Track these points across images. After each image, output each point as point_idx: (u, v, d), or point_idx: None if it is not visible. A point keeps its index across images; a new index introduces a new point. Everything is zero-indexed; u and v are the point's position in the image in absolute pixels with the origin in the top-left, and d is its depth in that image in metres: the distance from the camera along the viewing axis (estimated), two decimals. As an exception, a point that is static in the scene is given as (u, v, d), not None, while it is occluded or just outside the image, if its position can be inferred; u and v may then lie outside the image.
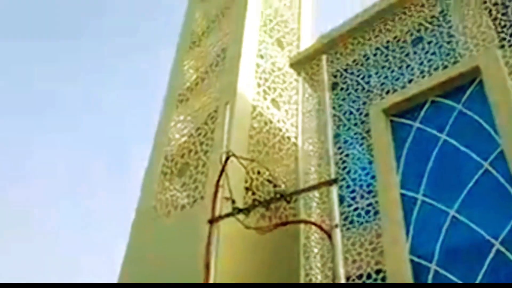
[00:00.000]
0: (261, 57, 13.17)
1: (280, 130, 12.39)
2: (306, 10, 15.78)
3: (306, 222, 8.77)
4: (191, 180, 11.32)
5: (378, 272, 8.12)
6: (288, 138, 12.40)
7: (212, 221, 8.40)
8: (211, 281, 7.27)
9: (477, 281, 6.84)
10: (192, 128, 12.51)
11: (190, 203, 11.04)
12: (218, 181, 8.00)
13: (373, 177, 8.79)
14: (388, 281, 7.75)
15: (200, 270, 6.81)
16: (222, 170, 7.97)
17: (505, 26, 8.40)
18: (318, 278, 9.30)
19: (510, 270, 6.69)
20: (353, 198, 8.91)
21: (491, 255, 6.88)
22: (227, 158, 8.00)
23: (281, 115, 12.70)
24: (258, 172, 11.15)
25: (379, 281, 8.02)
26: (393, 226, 8.05)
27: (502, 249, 6.81)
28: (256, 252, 10.17)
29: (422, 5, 9.96)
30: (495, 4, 8.70)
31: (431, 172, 7.99)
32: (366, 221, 8.66)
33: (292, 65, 12.38)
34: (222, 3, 14.79)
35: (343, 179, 9.16)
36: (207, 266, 7.30)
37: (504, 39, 8.30)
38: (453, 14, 9.27)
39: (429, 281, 7.29)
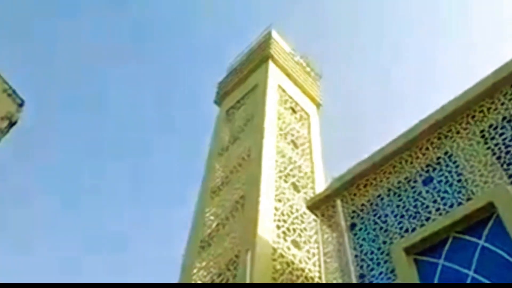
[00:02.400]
0: (279, 200, 13.28)
1: (303, 270, 11.89)
2: (317, 156, 16.37)
3: None
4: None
5: None
6: (312, 278, 11.83)
7: None
8: None
9: None
10: (215, 274, 12.07)
11: None
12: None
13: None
14: None
15: None
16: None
17: (510, 164, 8.52)
18: None
19: None
20: None
21: None
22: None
23: (302, 255, 12.31)
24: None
25: None
26: None
27: None
28: None
29: (427, 148, 10.28)
30: (497, 144, 8.96)
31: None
32: None
33: (308, 208, 12.38)
34: (239, 156, 15.46)
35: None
36: None
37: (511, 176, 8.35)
38: (458, 155, 9.50)
39: None
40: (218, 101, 19.78)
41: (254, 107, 17.01)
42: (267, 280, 10.85)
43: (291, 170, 14.92)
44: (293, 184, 14.55)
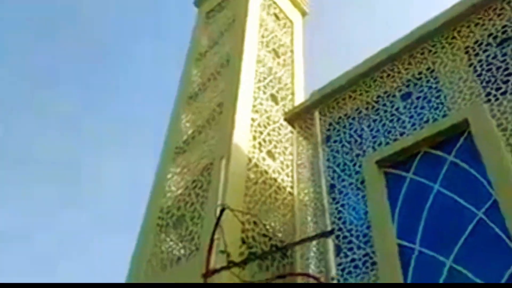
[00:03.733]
0: (256, 111, 13.38)
1: (276, 180, 12.36)
2: (299, 67, 16.24)
3: (303, 275, 8.54)
4: (187, 232, 11.11)
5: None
6: (284, 188, 12.35)
7: (206, 275, 8.18)
8: None
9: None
10: (189, 180, 12.45)
11: (186, 255, 10.77)
12: (213, 234, 7.88)
13: (369, 227, 8.69)
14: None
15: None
16: (217, 224, 7.87)
17: (489, 81, 8.66)
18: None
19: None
20: (350, 249, 8.75)
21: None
22: (222, 211, 7.92)
23: (276, 166, 12.72)
24: (255, 223, 11.00)
25: None
26: (390, 277, 7.86)
27: (503, 301, 6.65)
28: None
29: (409, 63, 10.30)
30: (480, 61, 9.01)
31: (427, 222, 7.93)
32: (364, 272, 8.46)
33: (286, 119, 12.58)
34: (217, 62, 15.20)
35: (340, 229, 9.05)
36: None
37: (489, 93, 8.53)
38: (439, 71, 9.57)
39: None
40: (197, 2, 18.94)
41: (236, 11, 16.39)
42: (240, 188, 11.27)
43: (270, 80, 14.84)
44: (272, 95, 14.56)
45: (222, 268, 7.96)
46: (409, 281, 7.69)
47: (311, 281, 9.13)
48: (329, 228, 8.76)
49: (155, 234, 11.83)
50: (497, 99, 8.35)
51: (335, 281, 6.15)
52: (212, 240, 7.91)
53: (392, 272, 7.90)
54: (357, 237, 8.83)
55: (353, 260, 8.79)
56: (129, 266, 11.86)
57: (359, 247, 8.71)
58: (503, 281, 6.75)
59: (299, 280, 9.20)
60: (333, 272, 6.07)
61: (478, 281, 6.97)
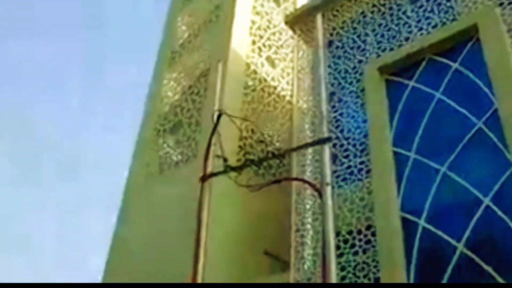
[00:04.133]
0: (257, 13, 12.79)
1: (275, 88, 12.20)
2: (303, -34, 15.22)
3: (298, 180, 8.73)
4: (184, 138, 11.21)
5: (368, 228, 8.18)
6: (283, 96, 12.23)
7: (204, 179, 8.36)
8: (202, 237, 7.30)
9: (464, 237, 6.89)
10: (185, 86, 12.29)
11: (183, 160, 10.98)
12: (210, 139, 7.89)
13: (366, 135, 8.72)
14: (378, 236, 7.83)
15: (193, 227, 6.84)
16: (214, 129, 7.84)
17: (505, -18, 8.13)
18: (309, 234, 9.38)
19: (498, 226, 6.75)
20: (346, 157, 8.86)
21: (480, 212, 6.93)
22: (219, 117, 7.86)
23: (276, 73, 12.47)
24: (252, 131, 11.06)
25: (369, 237, 8.10)
26: (384, 183, 8.05)
27: (491, 206, 6.85)
28: (249, 209, 10.21)
29: (422, -39, 9.59)
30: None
31: (425, 130, 7.93)
32: (358, 179, 8.65)
33: (287, 23, 12.05)
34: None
35: (337, 137, 9.09)
36: (199, 223, 7.32)
37: (503, -4, 8.05)
38: (452, -30, 8.94)
39: (417, 236, 7.37)
40: None
41: None
42: (238, 94, 11.14)
43: (272, -20, 14.01)
44: (274, -4, 13.84)
45: (219, 173, 8.11)
46: (402, 187, 7.87)
47: (306, 185, 9.40)
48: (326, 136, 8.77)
49: (153, 139, 11.95)
50: (510, 3, 7.89)
51: (329, 187, 6.25)
52: (209, 145, 7.95)
53: (386, 178, 8.07)
54: (354, 145, 8.90)
55: (348, 167, 8.95)
56: (129, 169, 12.16)
57: (355, 155, 8.81)
58: (495, 188, 6.89)
59: (294, 185, 9.45)
60: (328, 178, 6.16)
61: (468, 186, 7.12)
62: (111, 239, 11.20)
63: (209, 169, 8.79)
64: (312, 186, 7.82)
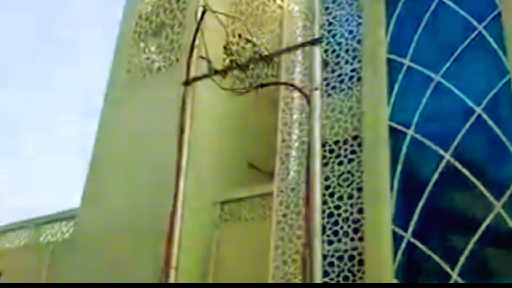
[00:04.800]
0: None
1: (265, -11, 11.51)
2: None
3: (284, 84, 8.45)
4: (167, 41, 10.71)
5: (355, 138, 8.09)
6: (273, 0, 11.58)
7: (187, 83, 8.04)
8: (185, 141, 7.15)
9: (452, 146, 6.84)
10: None
11: (166, 66, 10.57)
12: (194, 39, 7.46)
13: (360, 41, 8.34)
14: (364, 146, 7.77)
15: (175, 136, 6.66)
16: (198, 27, 7.39)
17: None
18: (295, 144, 9.32)
19: (488, 137, 6.69)
20: (337, 63, 8.55)
21: (471, 121, 6.82)
22: (203, 13, 7.36)
23: (266, -27, 11.70)
24: (239, 36, 10.56)
25: (355, 147, 8.04)
26: (375, 91, 7.84)
27: (483, 115, 6.73)
28: (233, 116, 10.04)
29: None
30: None
31: (422, 35, 7.58)
32: (348, 87, 8.42)
33: None
34: None
35: (328, 43, 8.70)
36: (182, 129, 7.12)
37: None
38: None
39: (405, 146, 7.31)
40: None
41: None
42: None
43: None
44: None
45: (203, 76, 7.78)
46: (393, 96, 7.68)
47: (294, 94, 9.17)
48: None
49: (133, 43, 11.40)
50: None
51: (318, 92, 6.02)
52: (192, 46, 7.53)
53: (377, 86, 7.85)
54: (347, 51, 8.54)
55: (339, 75, 8.68)
56: (109, 75, 11.74)
57: (347, 62, 8.49)
58: (489, 96, 6.72)
59: (282, 93, 9.20)
60: (318, 83, 5.90)
61: (461, 95, 6.94)
62: (93, 147, 11.08)
63: (193, 74, 8.44)
64: (300, 91, 7.60)
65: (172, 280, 5.71)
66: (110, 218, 9.42)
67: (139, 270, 8.22)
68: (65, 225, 11.81)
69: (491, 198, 6.42)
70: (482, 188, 6.53)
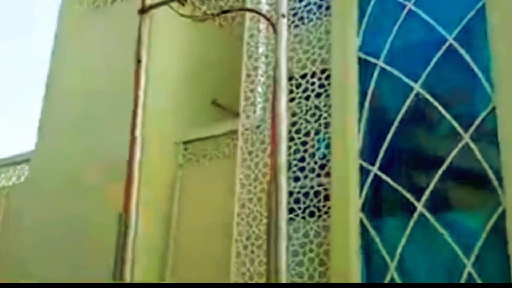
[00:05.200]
0: None
1: None
2: None
3: (249, 10, 7.93)
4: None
5: (323, 71, 7.79)
6: None
7: (143, 11, 7.43)
8: (142, 74, 6.67)
9: (422, 77, 6.65)
10: None
11: (121, -5, 9.80)
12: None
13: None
14: (332, 79, 7.49)
15: (133, 69, 6.18)
16: None
17: None
18: (261, 80, 8.97)
19: (458, 66, 6.51)
20: (305, -10, 8.07)
21: (442, 51, 6.61)
22: None
23: None
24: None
25: (323, 80, 7.77)
26: (344, 21, 7.49)
27: (455, 44, 6.52)
28: (195, 50, 9.53)
29: None
30: None
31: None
32: (317, 18, 8.01)
33: None
34: None
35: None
36: (139, 60, 6.62)
37: None
38: None
39: (374, 78, 7.07)
40: None
41: None
42: None
43: None
44: None
45: (160, 3, 7.19)
46: (363, 26, 7.32)
47: (259, 26, 8.69)
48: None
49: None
50: None
51: (285, 20, 5.61)
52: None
53: (347, 15, 7.51)
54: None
55: (307, 4, 8.26)
56: (59, 8, 10.89)
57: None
58: (462, 24, 6.46)
59: (247, 25, 8.70)
60: (284, 9, 5.48)
61: (433, 23, 6.66)
62: (45, 84, 10.40)
63: (149, 1, 7.78)
64: (266, 17, 7.13)
65: (132, 216, 5.46)
66: (66, 158, 8.98)
67: (97, 211, 7.93)
68: (20, 168, 11.31)
69: (460, 129, 6.35)
70: (451, 119, 6.43)
